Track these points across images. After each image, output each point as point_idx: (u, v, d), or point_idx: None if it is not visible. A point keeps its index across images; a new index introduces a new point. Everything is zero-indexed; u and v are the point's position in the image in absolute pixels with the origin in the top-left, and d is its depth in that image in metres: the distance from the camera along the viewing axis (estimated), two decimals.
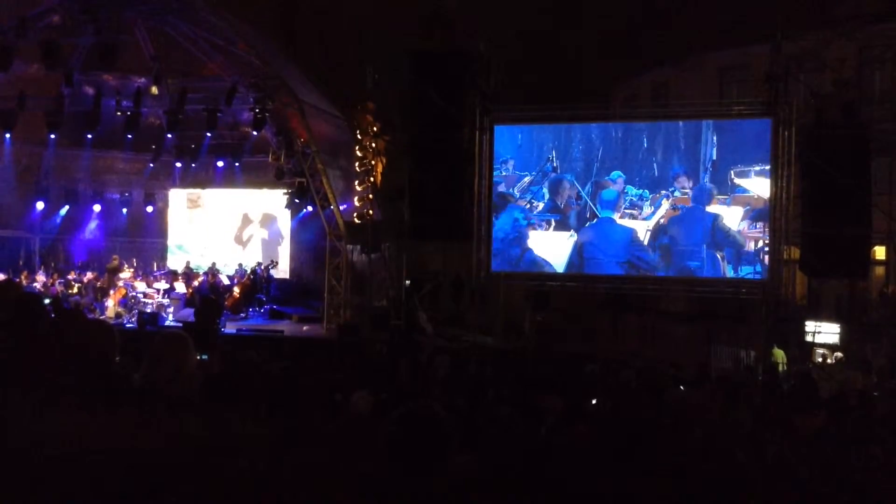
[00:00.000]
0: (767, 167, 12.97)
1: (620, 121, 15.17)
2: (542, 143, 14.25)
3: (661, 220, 13.41)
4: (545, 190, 14.09)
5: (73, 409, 2.31)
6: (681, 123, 13.79)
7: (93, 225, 20.45)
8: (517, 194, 14.28)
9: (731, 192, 13.15)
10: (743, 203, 13.09)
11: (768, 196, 12.95)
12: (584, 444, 3.84)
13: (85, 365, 2.75)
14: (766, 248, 13.00)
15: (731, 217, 13.13)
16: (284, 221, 19.53)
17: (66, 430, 2.04)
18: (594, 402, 5.89)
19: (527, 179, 14.22)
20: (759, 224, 13.00)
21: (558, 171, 14.06)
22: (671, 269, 13.50)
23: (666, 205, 13.40)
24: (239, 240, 20.24)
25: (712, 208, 13.18)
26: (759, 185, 13.05)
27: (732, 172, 13.15)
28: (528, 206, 14.13)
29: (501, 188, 14.37)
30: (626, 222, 13.64)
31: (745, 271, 13.09)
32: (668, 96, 19.47)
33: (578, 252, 13.74)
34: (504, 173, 14.41)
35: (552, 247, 13.94)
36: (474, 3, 17.90)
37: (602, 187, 13.74)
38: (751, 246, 13.12)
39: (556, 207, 13.98)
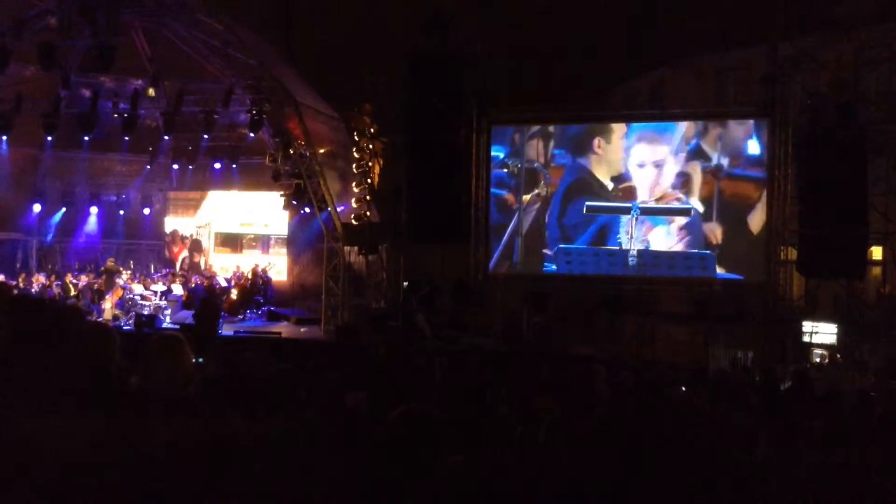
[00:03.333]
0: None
1: (618, 122, 15.21)
2: None
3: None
4: None
5: (72, 412, 2.30)
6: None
7: (90, 227, 20.42)
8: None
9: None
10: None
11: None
12: (581, 445, 3.84)
13: (83, 368, 2.74)
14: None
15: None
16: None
17: (65, 433, 2.03)
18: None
19: None
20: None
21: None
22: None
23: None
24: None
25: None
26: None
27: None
28: None
29: None
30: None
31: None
32: (665, 97, 19.47)
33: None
34: None
35: None
36: (472, 5, 17.92)
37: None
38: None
39: None
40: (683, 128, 14.64)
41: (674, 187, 14.59)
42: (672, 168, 14.61)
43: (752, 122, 14.42)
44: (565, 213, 15.02)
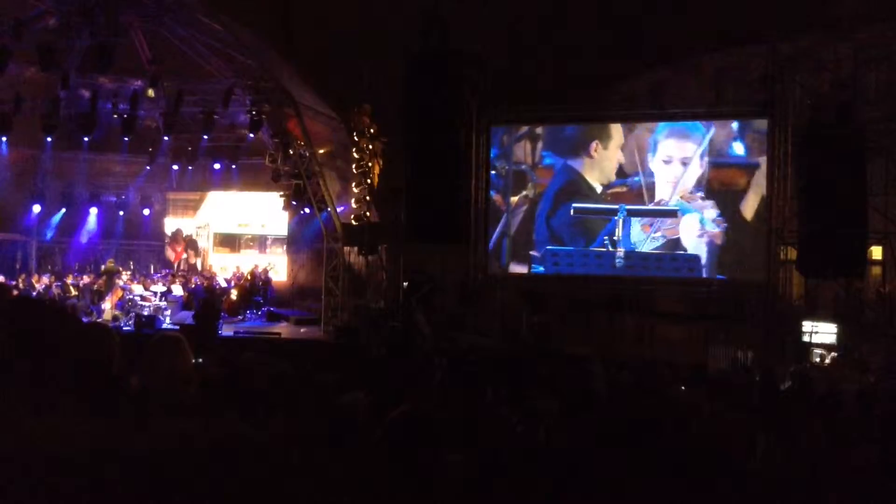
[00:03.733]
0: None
1: (617, 122, 15.20)
2: None
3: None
4: None
5: (72, 412, 2.30)
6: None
7: (90, 227, 20.42)
8: None
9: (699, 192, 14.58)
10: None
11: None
12: (581, 444, 3.84)
13: (83, 368, 2.74)
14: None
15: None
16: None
17: (65, 433, 2.03)
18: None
19: None
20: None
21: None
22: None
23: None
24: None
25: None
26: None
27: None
28: None
29: None
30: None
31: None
32: (665, 97, 19.48)
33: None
34: None
35: None
36: (472, 5, 17.91)
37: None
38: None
39: None
40: (713, 129, 14.62)
41: (692, 191, 14.60)
42: (696, 169, 14.63)
43: (735, 125, 14.45)
44: (554, 214, 15.09)
